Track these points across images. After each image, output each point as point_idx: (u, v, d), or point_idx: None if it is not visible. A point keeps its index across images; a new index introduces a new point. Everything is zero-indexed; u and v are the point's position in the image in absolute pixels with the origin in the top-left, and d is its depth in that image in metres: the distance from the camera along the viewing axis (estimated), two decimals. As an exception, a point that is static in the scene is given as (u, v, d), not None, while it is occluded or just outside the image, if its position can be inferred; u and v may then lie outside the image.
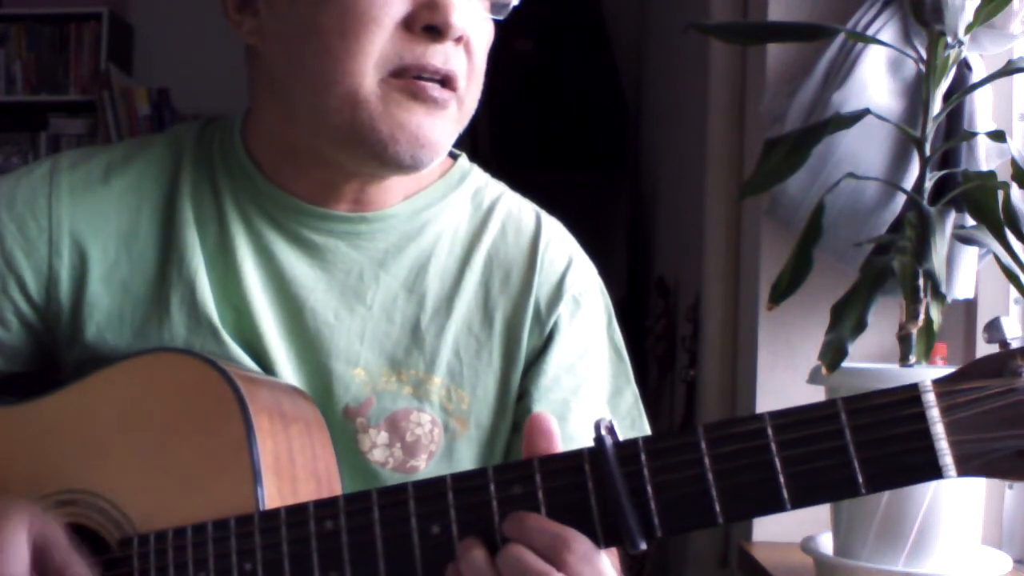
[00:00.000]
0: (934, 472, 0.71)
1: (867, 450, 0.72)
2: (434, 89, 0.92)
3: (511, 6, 0.98)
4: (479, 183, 1.09)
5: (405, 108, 0.92)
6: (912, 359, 1.33)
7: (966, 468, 0.71)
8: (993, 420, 0.70)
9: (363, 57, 0.91)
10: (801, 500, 0.73)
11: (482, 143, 3.40)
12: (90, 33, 4.09)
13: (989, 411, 0.70)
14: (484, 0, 0.96)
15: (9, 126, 4.11)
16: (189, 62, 3.97)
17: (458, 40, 0.93)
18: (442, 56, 0.92)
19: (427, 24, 0.91)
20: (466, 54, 0.95)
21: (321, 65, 0.92)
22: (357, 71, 0.91)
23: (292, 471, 0.90)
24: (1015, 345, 0.73)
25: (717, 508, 0.74)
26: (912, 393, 0.71)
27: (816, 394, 1.39)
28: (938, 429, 0.71)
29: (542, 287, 1.04)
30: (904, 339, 1.34)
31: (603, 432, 0.76)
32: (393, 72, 0.91)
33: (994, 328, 0.74)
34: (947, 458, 0.70)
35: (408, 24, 0.91)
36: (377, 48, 0.91)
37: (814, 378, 1.38)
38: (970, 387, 0.71)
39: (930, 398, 0.71)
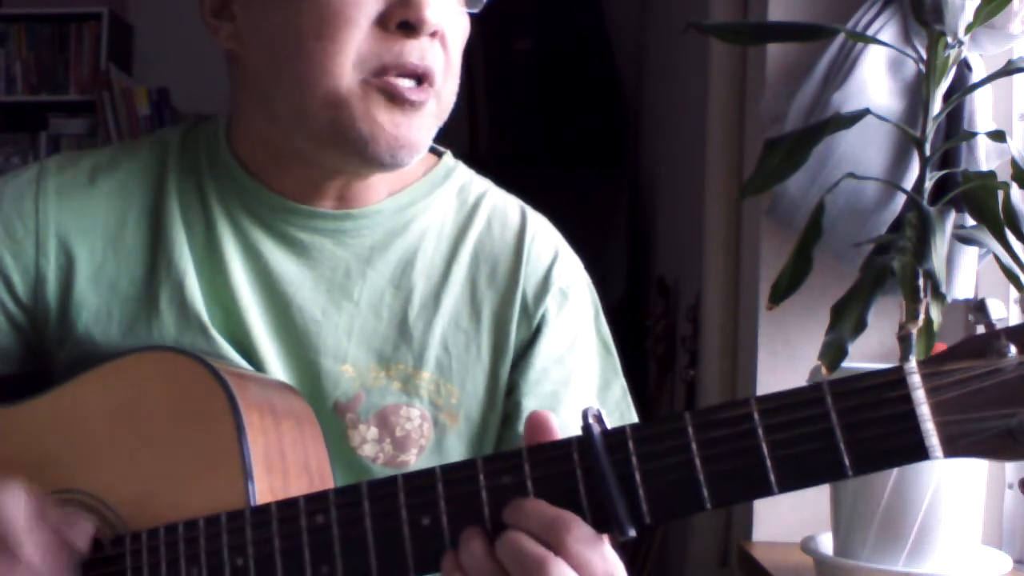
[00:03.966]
0: (921, 453, 0.70)
1: (853, 432, 0.71)
2: (411, 92, 0.93)
3: (484, 0, 0.99)
4: (464, 179, 1.10)
5: (384, 109, 0.93)
6: (912, 359, 1.33)
7: (953, 449, 0.70)
8: (979, 400, 0.70)
9: (341, 57, 0.91)
10: (788, 484, 0.73)
11: (482, 143, 3.40)
12: (90, 33, 4.08)
13: (975, 391, 0.70)
14: None
15: (9, 126, 4.11)
16: (189, 62, 3.96)
17: (433, 35, 0.94)
18: (418, 52, 0.93)
19: (401, 20, 0.92)
20: (442, 48, 0.95)
21: (299, 67, 0.93)
22: (336, 72, 0.92)
23: (283, 466, 0.90)
24: (1000, 326, 0.73)
25: (705, 493, 0.74)
26: (897, 375, 0.71)
27: (816, 394, 1.38)
28: (923, 410, 0.70)
29: (529, 280, 1.05)
30: (904, 339, 1.34)
31: (591, 420, 0.76)
32: (373, 72, 0.92)
33: (980, 310, 0.74)
34: (933, 439, 0.70)
35: (383, 22, 0.92)
36: (354, 48, 0.91)
37: (814, 378, 1.38)
38: (955, 368, 0.70)
39: (915, 379, 0.71)
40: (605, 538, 0.77)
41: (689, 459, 0.74)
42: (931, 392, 0.70)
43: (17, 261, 1.00)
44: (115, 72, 4.02)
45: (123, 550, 0.87)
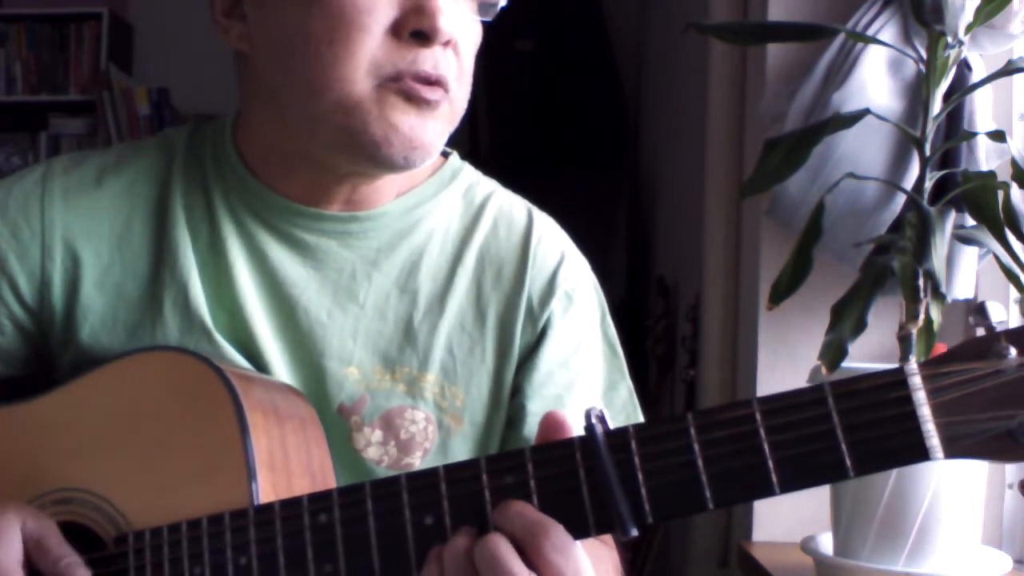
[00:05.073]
0: (921, 454, 0.71)
1: (855, 433, 0.72)
2: (426, 91, 0.93)
3: (498, 7, 0.98)
4: (470, 180, 1.10)
5: (400, 110, 0.92)
6: (912, 359, 1.33)
7: (953, 450, 0.71)
8: (979, 402, 0.70)
9: (353, 63, 0.91)
10: (790, 484, 0.73)
11: (483, 143, 3.40)
12: (90, 33, 4.08)
13: (974, 393, 0.70)
14: (471, 2, 0.96)
15: (9, 126, 4.11)
16: (189, 62, 3.97)
17: (446, 44, 0.93)
18: (431, 61, 0.92)
19: (415, 29, 0.91)
20: (455, 56, 0.95)
21: (311, 72, 0.92)
22: (348, 77, 0.91)
23: (287, 467, 0.90)
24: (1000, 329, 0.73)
25: (707, 494, 0.74)
26: (898, 377, 0.72)
27: (816, 394, 1.38)
28: (924, 411, 0.71)
29: (534, 283, 1.05)
30: (904, 339, 1.34)
31: (593, 420, 0.76)
32: (389, 78, 0.92)
33: (980, 312, 0.75)
34: (934, 440, 0.71)
35: (396, 30, 0.91)
36: (367, 54, 0.91)
37: (814, 378, 1.38)
38: (956, 369, 0.71)
39: (916, 381, 0.71)
40: (579, 546, 0.76)
41: (691, 459, 0.74)
42: (932, 393, 0.71)
43: (23, 264, 1.00)
44: (115, 72, 4.02)
45: (126, 548, 0.87)
